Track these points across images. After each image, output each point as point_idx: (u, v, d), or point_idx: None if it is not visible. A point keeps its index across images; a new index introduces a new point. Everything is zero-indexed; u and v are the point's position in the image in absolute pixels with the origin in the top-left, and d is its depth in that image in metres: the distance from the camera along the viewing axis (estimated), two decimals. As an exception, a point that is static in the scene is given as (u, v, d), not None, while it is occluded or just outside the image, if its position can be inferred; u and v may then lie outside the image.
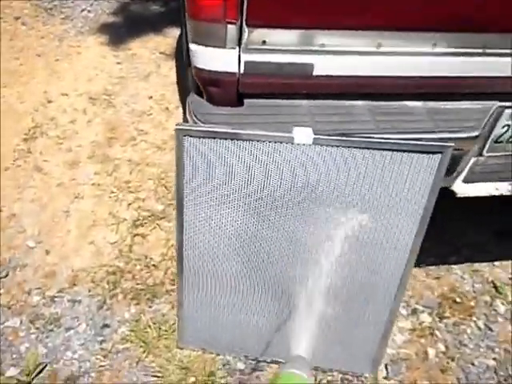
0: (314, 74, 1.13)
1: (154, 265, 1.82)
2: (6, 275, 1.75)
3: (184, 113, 1.24)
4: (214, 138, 1.07)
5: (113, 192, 2.08)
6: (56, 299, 1.68)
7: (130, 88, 2.64)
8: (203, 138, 1.06)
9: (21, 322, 1.61)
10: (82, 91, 2.59)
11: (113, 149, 2.28)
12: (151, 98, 2.59)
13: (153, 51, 2.94)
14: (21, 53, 2.86)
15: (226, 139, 1.07)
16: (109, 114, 2.46)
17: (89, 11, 3.26)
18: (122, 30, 3.12)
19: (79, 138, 2.32)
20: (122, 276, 1.77)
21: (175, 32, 3.11)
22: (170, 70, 2.80)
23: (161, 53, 2.92)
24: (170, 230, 1.94)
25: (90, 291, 1.72)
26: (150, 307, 1.67)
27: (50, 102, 2.51)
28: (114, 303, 1.68)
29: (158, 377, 1.48)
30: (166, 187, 2.11)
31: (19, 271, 1.77)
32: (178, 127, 1.04)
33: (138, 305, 1.68)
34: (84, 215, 1.98)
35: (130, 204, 2.03)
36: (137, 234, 1.92)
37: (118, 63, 2.83)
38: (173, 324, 1.60)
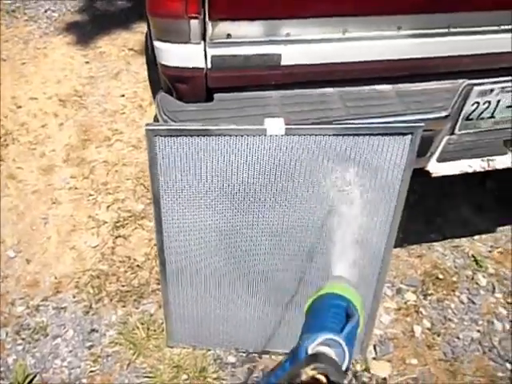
0: (282, 63, 1.12)
1: (138, 265, 1.81)
2: (-12, 288, 1.72)
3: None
4: (186, 135, 1.06)
5: (91, 195, 2.05)
6: (41, 308, 1.66)
7: (101, 87, 2.59)
8: (174, 136, 1.05)
9: (6, 334, 1.59)
10: (52, 94, 2.54)
11: (88, 151, 2.24)
12: (123, 96, 2.55)
13: (122, 48, 2.89)
14: (-15, 58, 2.78)
15: (197, 136, 1.06)
16: (81, 115, 2.42)
17: (53, 11, 3.17)
18: (89, 28, 3.05)
19: (52, 142, 2.28)
20: (107, 279, 1.76)
21: (143, 28, 3.04)
22: (140, 66, 2.75)
23: (130, 49, 2.87)
24: (152, 229, 1.92)
25: (74, 297, 1.70)
26: (137, 308, 1.67)
27: (19, 107, 2.45)
28: (100, 307, 1.67)
29: (150, 377, 1.48)
30: (144, 186, 2.09)
31: (1, 282, 1.74)
32: (148, 128, 1.03)
33: (124, 307, 1.67)
34: (63, 220, 1.95)
35: (109, 206, 2.01)
36: (118, 236, 1.90)
37: (87, 62, 2.77)
38: (161, 323, 1.59)
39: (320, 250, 1.25)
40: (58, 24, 3.08)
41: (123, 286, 1.74)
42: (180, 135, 1.04)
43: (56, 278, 1.76)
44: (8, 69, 2.70)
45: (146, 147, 2.30)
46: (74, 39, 2.95)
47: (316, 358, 0.70)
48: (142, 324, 1.60)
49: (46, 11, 3.18)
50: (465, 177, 1.54)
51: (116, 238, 1.89)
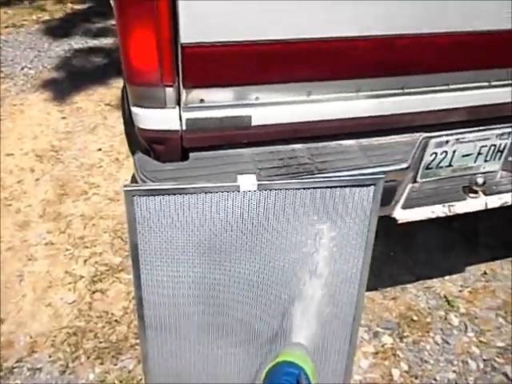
0: (253, 124, 1.20)
1: (116, 320, 1.80)
2: (-41, 351, 1.67)
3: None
4: (163, 194, 1.11)
5: (67, 249, 2.05)
6: (15, 370, 1.62)
7: (78, 142, 2.65)
8: (152, 195, 1.10)
9: (-22, 400, 1.54)
10: (28, 149, 2.57)
11: (64, 205, 2.26)
12: (100, 150, 2.61)
13: (98, 103, 2.97)
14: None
15: (174, 194, 1.11)
16: (57, 170, 2.45)
17: (29, 68, 3.26)
18: (65, 84, 3.14)
19: (28, 197, 2.29)
20: (84, 336, 1.74)
21: (119, 83, 3.15)
22: (116, 120, 2.83)
23: (106, 104, 2.96)
24: (129, 282, 1.92)
25: (50, 357, 1.67)
26: (116, 365, 1.65)
27: (-5, 163, 2.47)
28: (77, 366, 1.64)
29: None
30: (122, 239, 2.10)
31: (-27, 345, 1.70)
32: (126, 189, 1.07)
33: (102, 364, 1.65)
34: (39, 277, 1.93)
35: (86, 260, 2.01)
36: (96, 291, 1.89)
37: (64, 118, 2.83)
38: (140, 379, 1.58)
39: (301, 297, 1.29)
40: (35, 81, 3.16)
41: (101, 342, 1.73)
42: (157, 194, 1.09)
43: (31, 337, 1.73)
44: (-16, 126, 2.74)
45: (123, 200, 2.35)
46: (50, 95, 3.02)
47: None
48: (121, 382, 1.58)
49: (22, 68, 3.27)
50: (431, 219, 1.63)
51: (93, 292, 1.88)
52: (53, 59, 3.40)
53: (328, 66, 1.18)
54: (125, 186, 1.09)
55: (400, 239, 2.13)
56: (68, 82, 3.16)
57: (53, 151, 2.56)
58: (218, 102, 1.15)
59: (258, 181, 1.14)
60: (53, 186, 2.35)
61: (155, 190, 1.08)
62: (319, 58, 1.16)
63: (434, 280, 2.01)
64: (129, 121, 1.35)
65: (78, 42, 3.65)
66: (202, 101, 1.13)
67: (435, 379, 1.65)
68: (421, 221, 1.51)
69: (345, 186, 1.17)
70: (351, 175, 1.17)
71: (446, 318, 1.86)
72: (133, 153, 1.50)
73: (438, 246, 2.14)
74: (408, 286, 1.99)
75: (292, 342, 0.98)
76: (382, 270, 2.01)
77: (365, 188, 1.18)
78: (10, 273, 1.94)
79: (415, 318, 1.85)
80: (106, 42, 3.68)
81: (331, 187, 1.16)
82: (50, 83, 3.13)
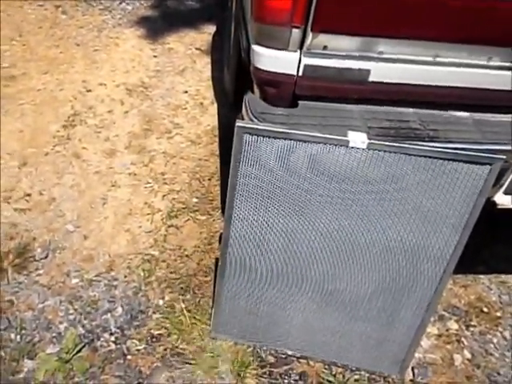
0: (370, 79, 1.16)
1: (187, 255, 1.87)
2: (46, 256, 1.81)
3: (239, 108, 1.28)
4: (271, 136, 1.11)
5: (148, 182, 2.13)
6: (94, 283, 1.74)
7: (166, 82, 2.69)
8: (262, 136, 1.10)
9: (60, 302, 1.67)
10: (120, 82, 2.65)
11: (149, 140, 2.33)
12: (186, 92, 2.64)
13: (189, 47, 2.99)
14: (60, 41, 2.92)
15: (284, 139, 1.11)
16: (145, 106, 2.52)
17: (127, 3, 3.31)
18: (159, 24, 3.17)
19: (116, 127, 2.38)
20: (157, 264, 1.82)
21: (210, 28, 3.15)
22: (205, 65, 2.84)
23: (197, 48, 2.97)
24: (203, 223, 1.99)
25: (125, 277, 1.77)
26: (184, 296, 1.72)
27: (88, 91, 2.57)
28: (148, 290, 1.74)
29: (192, 364, 1.53)
30: (199, 181, 2.16)
31: (58, 253, 1.83)
32: (239, 124, 1.08)
33: (171, 293, 1.73)
34: (121, 203, 2.03)
35: (164, 195, 2.08)
36: (171, 225, 1.97)
37: (155, 56, 2.88)
38: (205, 314, 1.65)
39: (383, 266, 1.28)
40: (131, 17, 3.22)
41: (171, 272, 1.81)
42: (268, 136, 1.10)
43: (110, 256, 1.83)
44: (81, 54, 2.84)
45: (204, 144, 2.39)
46: (144, 33, 3.07)
47: None
48: (188, 312, 1.66)
49: (120, 3, 3.33)
50: None
51: (169, 226, 1.96)
52: (149, -2, 3.43)
53: (459, 27, 1.11)
54: (238, 121, 1.10)
55: (480, 228, 2.04)
56: (162, 21, 3.19)
57: (142, 87, 2.63)
58: (340, 51, 1.12)
59: (369, 139, 1.11)
60: (139, 121, 2.42)
61: (267, 130, 1.09)
62: (451, 18, 1.09)
63: (510, 276, 1.93)
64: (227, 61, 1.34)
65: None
66: (325, 47, 1.11)
67: (498, 373, 1.61)
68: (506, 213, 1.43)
69: (459, 161, 1.12)
70: (469, 149, 1.11)
71: (517, 316, 1.78)
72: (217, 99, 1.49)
73: (519, 242, 2.03)
74: (481, 276, 1.91)
75: None
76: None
77: (480, 166, 1.12)
78: (96, 195, 2.05)
79: (485, 309, 1.79)
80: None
81: (444, 159, 1.12)
82: (144, 21, 3.17)
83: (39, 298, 1.67)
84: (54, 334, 1.59)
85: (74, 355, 1.52)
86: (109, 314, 1.65)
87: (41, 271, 1.76)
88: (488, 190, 1.14)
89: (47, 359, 1.51)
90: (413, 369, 1.58)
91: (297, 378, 1.53)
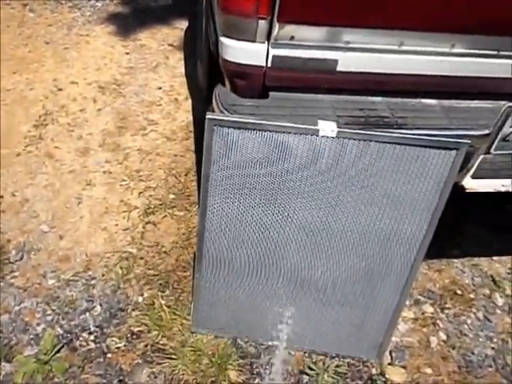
0: (338, 69, 1.18)
1: (165, 252, 1.87)
2: (21, 258, 1.78)
3: (208, 102, 1.28)
4: (242, 128, 1.12)
5: (124, 180, 2.11)
6: (71, 282, 1.72)
7: (139, 78, 2.67)
8: (232, 128, 1.11)
9: (37, 304, 1.65)
10: (92, 80, 2.61)
11: (123, 138, 2.31)
12: (160, 88, 2.62)
13: (161, 42, 2.96)
14: (29, 40, 2.86)
15: (252, 130, 1.12)
16: (118, 103, 2.49)
17: (97, 0, 3.26)
18: (130, 20, 3.13)
19: (89, 126, 2.35)
20: (135, 262, 1.81)
21: (183, 24, 3.13)
22: (178, 61, 2.82)
23: (169, 45, 2.95)
24: (180, 219, 1.98)
25: (103, 276, 1.76)
26: (163, 292, 1.72)
27: (59, 89, 2.53)
28: (127, 288, 1.73)
29: (173, 358, 1.53)
30: (176, 177, 2.15)
31: (34, 255, 1.80)
32: (210, 117, 1.09)
33: (150, 290, 1.73)
34: (96, 202, 2.01)
35: (141, 192, 2.07)
36: (148, 222, 1.96)
37: (127, 53, 2.85)
38: (185, 309, 1.65)
39: (356, 252, 1.30)
40: (101, 13, 3.17)
41: (150, 269, 1.80)
42: (238, 127, 1.10)
43: (87, 255, 1.82)
44: (51, 52, 2.79)
45: (180, 139, 2.38)
46: (115, 30, 3.03)
47: None
48: (168, 307, 1.65)
49: (89, 0, 3.27)
50: (484, 198, 1.59)
51: (146, 223, 1.95)
52: (119, -6, 3.39)
53: (423, 15, 1.13)
54: (208, 113, 1.10)
55: (451, 213, 2.09)
56: (133, 18, 3.15)
57: (115, 84, 2.59)
58: (307, 41, 1.13)
59: (338, 128, 1.13)
60: (113, 118, 2.40)
61: (237, 122, 1.09)
62: (414, 6, 1.11)
63: (482, 259, 1.98)
64: (200, 56, 1.34)
65: (143, -20, 3.61)
66: (292, 38, 1.12)
67: (473, 352, 1.66)
68: (476, 196, 1.47)
69: (426, 146, 1.14)
70: (435, 135, 1.14)
71: (490, 297, 1.84)
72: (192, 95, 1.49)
73: (489, 225, 2.09)
74: (454, 260, 1.96)
75: None
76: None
77: (446, 151, 1.15)
78: (70, 194, 2.03)
79: (459, 292, 1.84)
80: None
81: (412, 145, 1.14)
82: (115, 17, 3.13)
83: (15, 301, 1.65)
84: (31, 336, 1.57)
85: (52, 356, 1.51)
86: (87, 314, 1.64)
87: (16, 273, 1.74)
88: (455, 174, 1.18)
89: (25, 361, 1.49)
90: (391, 352, 1.62)
91: (279, 367, 1.55)
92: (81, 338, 1.57)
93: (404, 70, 1.19)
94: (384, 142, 1.13)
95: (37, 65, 2.68)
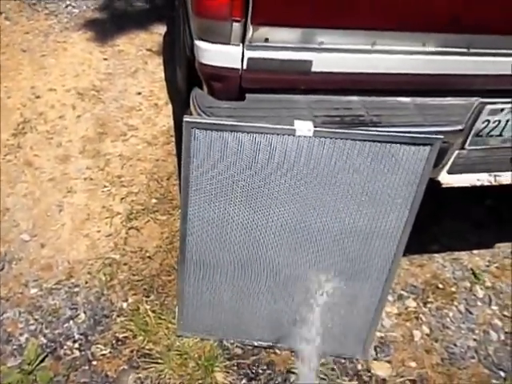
0: (313, 70, 1.19)
1: (149, 256, 1.86)
2: (2, 268, 1.76)
3: (188, 106, 1.28)
4: (220, 130, 1.13)
5: (105, 186, 2.10)
6: (53, 291, 1.71)
7: (118, 84, 2.66)
8: (209, 130, 1.12)
9: (19, 314, 1.63)
10: (70, 87, 2.59)
11: (103, 144, 2.30)
12: (140, 93, 2.62)
13: (139, 48, 2.96)
14: (6, 48, 2.83)
15: (230, 131, 1.13)
16: (98, 109, 2.48)
17: (73, 7, 3.24)
18: (108, 26, 3.11)
19: (69, 133, 2.33)
20: (118, 268, 1.81)
21: (161, 29, 3.13)
22: (157, 66, 2.82)
23: (148, 50, 2.94)
24: (164, 223, 1.98)
25: (87, 283, 1.75)
26: (148, 297, 1.72)
27: (37, 97, 2.51)
28: (111, 294, 1.72)
29: (159, 363, 1.52)
30: (157, 181, 2.15)
31: (15, 264, 1.78)
32: (187, 119, 1.09)
33: (135, 295, 1.72)
34: (78, 209, 2.00)
35: (122, 198, 2.06)
36: (131, 227, 1.95)
37: (105, 59, 2.83)
38: (170, 313, 1.64)
39: (336, 250, 1.32)
40: (78, 20, 3.15)
41: (134, 275, 1.79)
42: (216, 129, 1.11)
43: (69, 263, 1.80)
44: (28, 60, 2.76)
45: (161, 144, 2.37)
46: (93, 36, 3.01)
47: None
48: (153, 312, 1.65)
49: (66, 6, 3.25)
50: (464, 194, 1.62)
51: (129, 229, 1.94)
52: (96, 0, 3.37)
53: (396, 16, 1.16)
54: (185, 116, 1.10)
55: (431, 209, 2.12)
56: (110, 23, 3.14)
57: (94, 91, 2.58)
58: (282, 43, 1.14)
59: (315, 127, 1.15)
60: (93, 125, 2.38)
61: (215, 124, 1.10)
62: (387, 7, 1.14)
63: (462, 252, 2.02)
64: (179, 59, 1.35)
65: (121, -15, 3.60)
66: (266, 40, 1.13)
67: (455, 344, 1.69)
68: (455, 191, 1.51)
69: (400, 143, 1.17)
70: (408, 132, 1.16)
71: (471, 290, 1.87)
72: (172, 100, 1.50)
73: (469, 220, 2.13)
74: (435, 255, 2.00)
75: None
76: (410, 236, 2.02)
77: (420, 147, 1.18)
78: (51, 202, 2.01)
79: (440, 286, 1.88)
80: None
81: (386, 142, 1.17)
82: (92, 23, 3.11)
83: (-3, 311, 1.63)
84: (14, 347, 1.55)
85: (36, 366, 1.49)
86: (71, 322, 1.62)
87: (-3, 284, 1.72)
88: (430, 169, 1.20)
89: (9, 372, 1.47)
90: (375, 348, 1.64)
91: (265, 367, 1.56)
92: (65, 347, 1.56)
93: (377, 70, 1.22)
94: (360, 140, 1.15)
95: (14, 73, 2.66)
